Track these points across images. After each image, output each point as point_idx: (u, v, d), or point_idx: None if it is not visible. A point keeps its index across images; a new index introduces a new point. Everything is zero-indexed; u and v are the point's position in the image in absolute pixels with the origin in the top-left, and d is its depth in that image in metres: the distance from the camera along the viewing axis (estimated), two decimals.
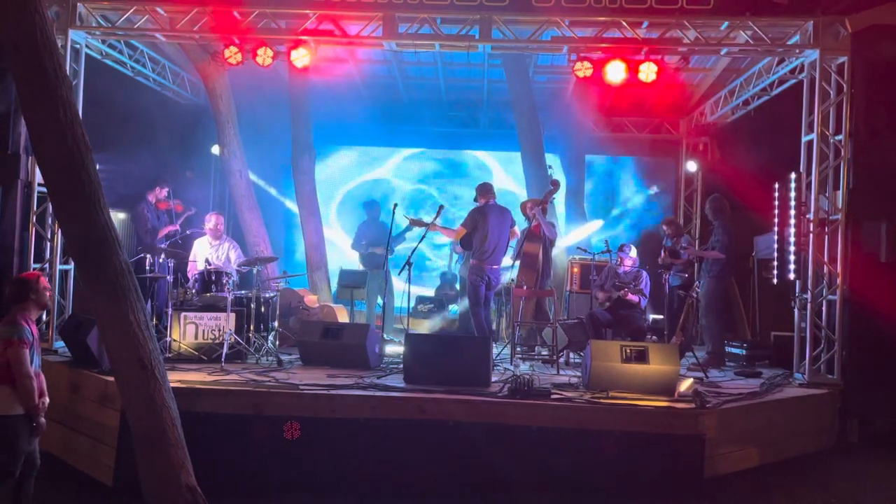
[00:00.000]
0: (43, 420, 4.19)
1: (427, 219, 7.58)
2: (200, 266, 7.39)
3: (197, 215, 8.90)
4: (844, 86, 6.79)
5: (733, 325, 8.99)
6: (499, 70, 10.06)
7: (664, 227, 8.80)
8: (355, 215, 11.09)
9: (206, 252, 7.72)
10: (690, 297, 7.33)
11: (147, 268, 7.20)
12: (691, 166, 10.84)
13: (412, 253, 7.47)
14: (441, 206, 7.54)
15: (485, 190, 7.67)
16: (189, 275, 7.54)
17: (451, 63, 10.12)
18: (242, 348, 6.70)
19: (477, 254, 7.46)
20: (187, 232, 8.38)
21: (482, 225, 7.44)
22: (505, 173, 11.56)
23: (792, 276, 6.89)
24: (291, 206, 10.71)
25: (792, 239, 6.85)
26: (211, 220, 7.90)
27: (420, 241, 7.61)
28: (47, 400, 4.24)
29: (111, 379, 5.01)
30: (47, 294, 4.37)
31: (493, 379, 5.98)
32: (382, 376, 6.16)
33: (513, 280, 7.71)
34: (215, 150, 9.66)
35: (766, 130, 8.95)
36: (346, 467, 5.25)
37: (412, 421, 5.31)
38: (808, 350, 6.71)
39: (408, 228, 8.35)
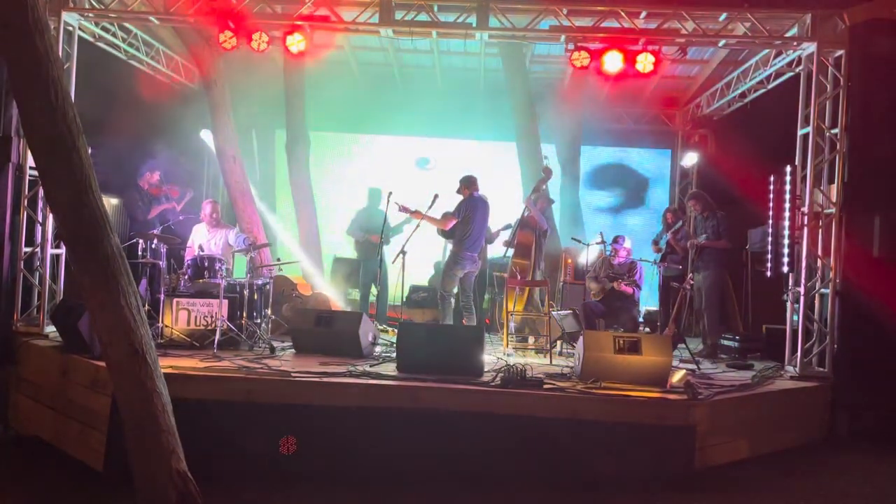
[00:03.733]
0: None
1: (422, 208, 7.54)
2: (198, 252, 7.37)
3: (195, 198, 8.87)
4: (841, 79, 6.78)
5: (726, 318, 9.01)
6: (495, 59, 10.02)
7: (668, 215, 8.80)
8: (349, 203, 11.07)
9: (202, 238, 7.70)
10: (684, 289, 7.34)
11: (139, 253, 7.16)
12: (687, 158, 10.83)
13: (406, 241, 7.45)
14: (436, 195, 7.51)
15: (470, 182, 7.61)
16: (186, 260, 7.52)
17: (448, 51, 10.08)
18: (235, 335, 6.68)
19: (458, 242, 7.45)
20: (180, 217, 8.34)
21: (471, 216, 7.44)
22: (500, 163, 11.52)
23: (785, 269, 6.91)
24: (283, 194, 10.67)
25: (786, 232, 6.86)
26: (207, 208, 7.89)
27: (415, 230, 7.60)
28: None
29: (102, 364, 4.98)
30: None
31: (486, 368, 5.97)
32: (375, 365, 6.15)
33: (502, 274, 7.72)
34: (204, 134, 9.60)
35: (763, 123, 8.94)
36: (338, 455, 5.25)
37: (404, 409, 5.31)
38: (800, 343, 6.74)
39: (405, 221, 8.35)
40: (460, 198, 7.61)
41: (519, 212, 8.42)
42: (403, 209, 7.55)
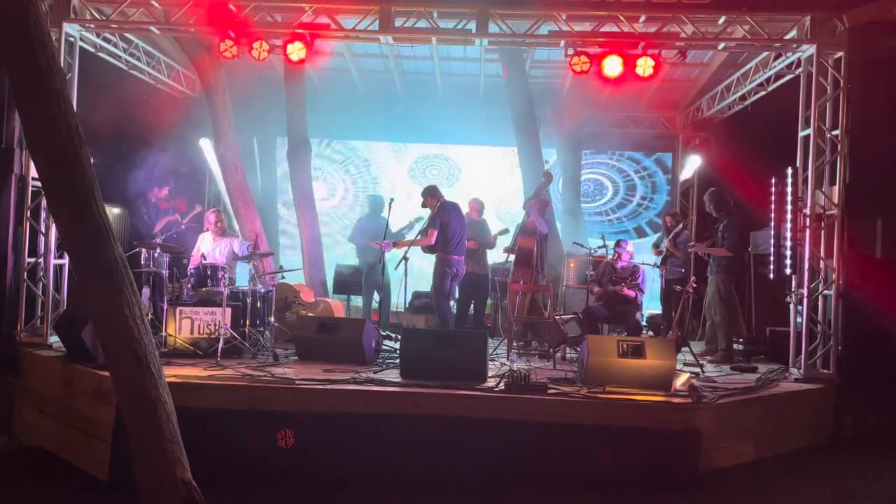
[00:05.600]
0: None
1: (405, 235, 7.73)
2: None
3: (200, 212, 8.91)
4: (841, 81, 6.79)
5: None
6: (495, 65, 10.05)
7: (667, 219, 8.79)
8: (351, 210, 11.10)
9: (206, 247, 7.73)
10: (686, 293, 7.33)
11: (142, 262, 7.18)
12: (688, 161, 10.83)
13: (408, 248, 7.46)
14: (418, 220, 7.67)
15: (433, 191, 7.69)
16: (189, 268, 7.55)
17: (448, 57, 10.10)
18: (238, 343, 6.68)
19: (442, 248, 7.48)
20: (181, 227, 8.37)
21: (447, 220, 7.50)
22: (501, 168, 11.55)
23: (788, 271, 6.90)
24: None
25: (788, 234, 6.86)
26: (211, 217, 7.93)
27: (416, 237, 7.62)
28: None
29: (106, 374, 4.98)
30: None
31: (490, 374, 5.97)
32: (379, 371, 6.15)
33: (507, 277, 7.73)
34: (203, 143, 9.65)
35: (763, 126, 8.94)
36: (342, 462, 5.24)
37: (408, 416, 5.30)
38: (804, 345, 6.72)
39: (407, 228, 8.43)
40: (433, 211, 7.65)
41: (520, 217, 8.43)
42: (387, 246, 7.66)
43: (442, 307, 7.53)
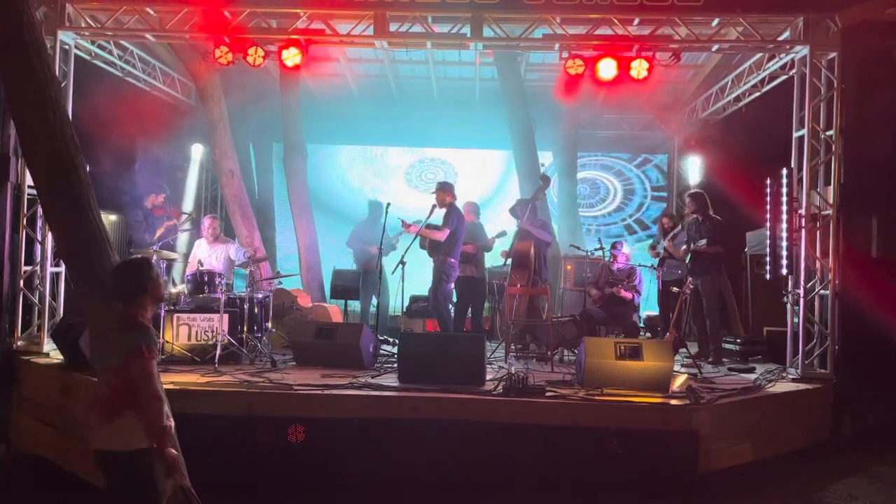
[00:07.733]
0: (174, 452, 3.20)
1: (413, 220, 7.68)
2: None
3: (195, 218, 8.91)
4: (835, 81, 6.81)
5: (726, 321, 9.01)
6: (490, 68, 10.07)
7: (664, 221, 8.81)
8: (347, 214, 11.09)
9: (202, 253, 7.73)
10: (684, 294, 7.34)
11: None
12: (684, 162, 10.85)
13: (405, 252, 7.46)
14: (434, 206, 7.56)
15: (450, 189, 7.67)
16: (186, 275, 7.55)
17: (443, 61, 10.13)
18: (236, 349, 6.67)
19: (449, 252, 7.48)
20: (178, 233, 8.37)
21: (459, 226, 7.52)
22: (498, 172, 11.56)
23: (784, 271, 6.91)
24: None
25: (784, 234, 6.87)
26: (206, 223, 7.93)
27: (413, 240, 7.62)
28: (172, 423, 3.22)
29: None
30: (161, 284, 3.40)
31: (488, 377, 5.97)
32: (377, 376, 6.15)
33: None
34: (195, 149, 9.63)
35: (758, 126, 8.96)
36: (341, 467, 5.24)
37: (407, 420, 5.30)
38: (801, 345, 6.74)
39: (399, 232, 8.42)
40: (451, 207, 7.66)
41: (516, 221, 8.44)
42: (406, 225, 7.63)
43: (444, 311, 7.54)
